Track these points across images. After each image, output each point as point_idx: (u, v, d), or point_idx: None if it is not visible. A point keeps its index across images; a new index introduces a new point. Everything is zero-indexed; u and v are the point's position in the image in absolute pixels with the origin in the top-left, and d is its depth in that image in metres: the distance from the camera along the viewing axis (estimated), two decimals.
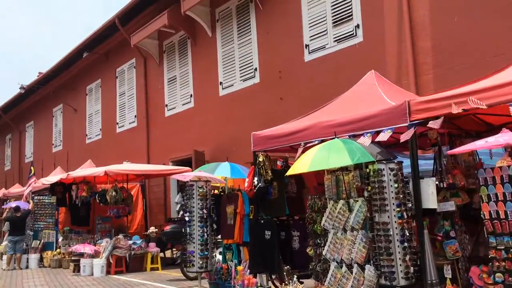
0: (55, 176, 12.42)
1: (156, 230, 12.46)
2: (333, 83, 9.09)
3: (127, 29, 14.88)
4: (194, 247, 6.03)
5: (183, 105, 13.33)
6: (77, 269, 10.31)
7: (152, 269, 10.25)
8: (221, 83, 11.94)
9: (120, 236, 10.33)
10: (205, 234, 6.06)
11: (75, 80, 19.66)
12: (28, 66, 59.32)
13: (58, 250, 11.83)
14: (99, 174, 10.18)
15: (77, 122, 19.76)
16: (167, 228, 8.79)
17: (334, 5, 9.16)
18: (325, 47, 9.30)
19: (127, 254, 9.88)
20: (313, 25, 9.55)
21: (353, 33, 8.77)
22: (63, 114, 21.27)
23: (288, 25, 10.11)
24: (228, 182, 7.63)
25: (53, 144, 22.17)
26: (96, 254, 9.90)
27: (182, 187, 14.02)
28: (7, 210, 13.92)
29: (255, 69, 10.91)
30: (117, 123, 16.59)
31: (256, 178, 5.93)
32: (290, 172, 4.88)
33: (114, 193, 9.99)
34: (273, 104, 10.37)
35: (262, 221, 6.01)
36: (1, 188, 21.12)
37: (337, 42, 9.06)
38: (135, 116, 15.56)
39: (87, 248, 9.87)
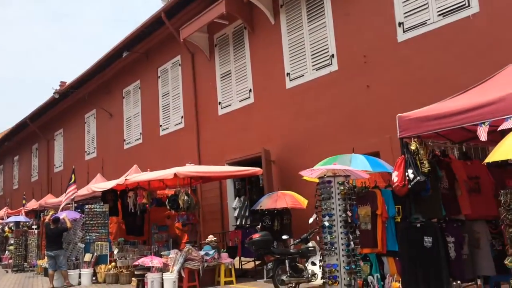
0: (107, 182, 11.32)
1: (215, 238, 11.33)
2: (437, 64, 7.91)
3: (173, 23, 13.85)
4: (337, 259, 4.81)
5: (240, 101, 12.20)
6: (141, 285, 9.16)
7: (226, 282, 9.08)
8: (288, 74, 10.79)
9: (189, 246, 9.16)
10: (351, 242, 4.83)
11: (110, 83, 18.68)
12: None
13: (113, 263, 10.69)
14: (167, 176, 9.04)
15: (113, 127, 18.75)
16: (256, 236, 7.60)
17: None
18: (426, 23, 8.10)
19: (200, 267, 8.72)
20: None
21: (464, 3, 7.58)
22: (97, 119, 20.29)
23: (374, 2, 8.94)
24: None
25: (86, 151, 21.18)
26: (164, 268, 8.75)
27: (239, 190, 13.04)
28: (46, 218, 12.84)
29: (332, 56, 9.75)
30: (161, 126, 15.51)
31: (410, 171, 4.73)
32: (494, 158, 3.66)
33: (186, 197, 8.83)
34: (357, 93, 9.19)
35: (418, 225, 4.80)
36: (30, 200, 20.19)
37: (443, 16, 7.87)
38: (182, 117, 14.47)
39: (156, 261, 8.71)
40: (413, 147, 4.87)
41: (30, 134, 26.99)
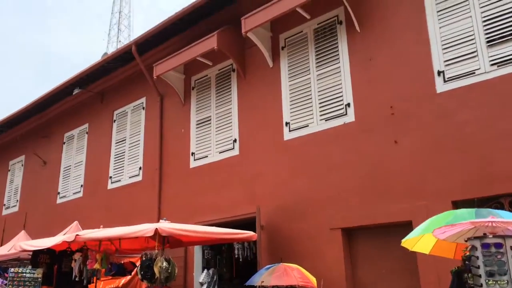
0: (45, 239, 8.65)
1: None
2: (486, 117, 6.74)
3: (144, 59, 12.06)
4: None
5: (220, 153, 10.34)
6: None
7: None
8: (287, 123, 9.22)
9: None
10: None
11: (50, 125, 16.06)
12: None
13: None
14: (144, 233, 6.73)
15: (44, 177, 15.85)
16: None
17: (486, 22, 7.05)
18: (474, 72, 7.01)
19: None
20: (448, 45, 7.32)
21: None
22: (25, 167, 17.25)
23: (405, 45, 7.82)
24: None
25: (4, 204, 17.78)
26: None
27: (209, 261, 10.75)
28: None
29: (347, 105, 8.36)
30: (110, 177, 13.08)
31: None
32: None
33: (165, 264, 6.56)
34: (381, 149, 7.75)
35: None
36: None
37: (497, 66, 6.81)
38: (140, 168, 12.23)
39: None
40: None
41: None
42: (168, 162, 11.53)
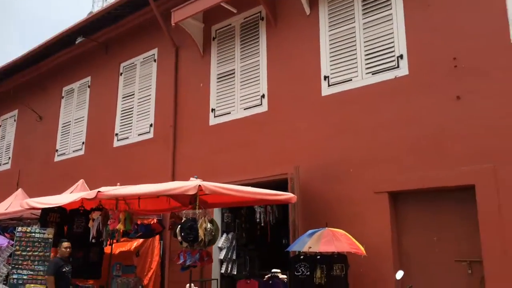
0: (59, 196, 7.73)
1: None
2: None
3: (158, 4, 10.96)
4: None
5: (246, 109, 9.46)
6: None
7: None
8: (326, 77, 8.35)
9: None
10: None
11: (47, 78, 14.87)
12: None
13: None
14: (186, 191, 5.84)
15: (41, 133, 14.80)
16: None
17: None
18: None
19: None
20: None
21: None
22: (18, 122, 16.12)
23: None
24: None
25: None
26: None
27: (228, 225, 10.01)
28: None
29: (400, 57, 7.51)
30: (117, 135, 12.11)
31: None
32: None
33: (209, 225, 5.76)
34: (441, 106, 6.96)
35: None
36: None
37: None
38: (151, 125, 11.28)
39: None
40: None
41: None
42: (184, 119, 10.61)
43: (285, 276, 7.51)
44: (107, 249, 8.23)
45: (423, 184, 6.94)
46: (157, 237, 9.75)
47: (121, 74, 12.48)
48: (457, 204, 6.74)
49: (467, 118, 6.70)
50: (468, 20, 6.93)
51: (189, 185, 5.86)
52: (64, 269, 7.06)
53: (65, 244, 7.22)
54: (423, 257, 6.89)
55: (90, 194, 6.65)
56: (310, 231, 6.72)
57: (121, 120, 12.10)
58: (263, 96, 9.22)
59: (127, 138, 11.81)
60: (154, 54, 11.73)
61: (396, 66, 7.53)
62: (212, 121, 10.02)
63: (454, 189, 6.69)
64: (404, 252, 7.10)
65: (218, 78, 10.10)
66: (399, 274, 5.27)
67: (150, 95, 11.56)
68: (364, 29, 8.03)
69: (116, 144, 12.10)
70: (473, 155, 6.55)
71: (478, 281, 6.30)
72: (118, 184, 8.12)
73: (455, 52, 6.95)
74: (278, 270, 7.73)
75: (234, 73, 9.82)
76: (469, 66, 6.81)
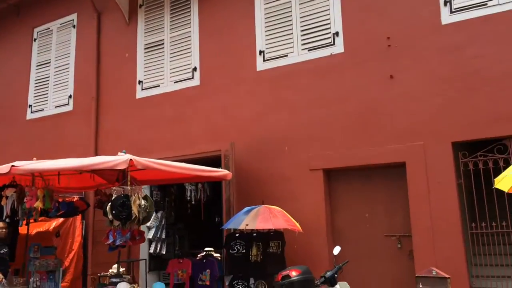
0: None
1: (124, 269, 7.97)
2: (495, 53, 6.31)
3: None
4: None
5: (175, 82, 9.02)
6: None
7: None
8: (261, 52, 8.16)
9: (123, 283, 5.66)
10: None
11: None
12: None
13: None
14: (115, 165, 5.37)
15: None
16: (296, 274, 4.61)
17: None
18: (486, 4, 6.47)
19: None
20: None
21: None
22: None
23: None
24: None
25: None
26: None
27: (157, 203, 9.62)
28: None
29: (335, 34, 7.50)
30: (30, 106, 11.09)
31: None
32: None
33: (143, 202, 5.37)
34: (374, 84, 7.07)
35: None
36: None
37: None
38: (70, 97, 10.44)
39: None
40: None
41: None
42: (108, 91, 9.93)
43: (219, 255, 7.36)
44: (22, 230, 7.55)
45: (356, 161, 7.06)
46: (79, 216, 9.14)
47: (35, 40, 11.37)
48: (388, 181, 6.94)
49: (399, 97, 6.87)
50: (402, 1, 7.04)
51: (119, 159, 5.42)
52: (1, 251, 6.39)
53: (0, 224, 6.50)
54: (355, 232, 7.06)
55: (2, 168, 5.97)
56: (246, 209, 6.60)
57: (35, 90, 11.08)
58: (194, 69, 8.83)
59: (43, 110, 10.85)
60: (73, 20, 10.79)
61: (332, 43, 7.52)
62: (140, 94, 9.47)
63: (386, 166, 6.88)
64: (337, 228, 7.22)
65: (146, 48, 9.52)
66: (336, 250, 5.32)
67: (68, 63, 10.65)
68: (300, 4, 7.90)
69: (29, 116, 11.09)
70: (404, 133, 6.75)
71: (406, 254, 6.58)
72: (35, 158, 7.41)
73: (389, 32, 7.06)
74: (212, 249, 7.56)
75: (163, 43, 9.30)
76: (402, 46, 6.96)
